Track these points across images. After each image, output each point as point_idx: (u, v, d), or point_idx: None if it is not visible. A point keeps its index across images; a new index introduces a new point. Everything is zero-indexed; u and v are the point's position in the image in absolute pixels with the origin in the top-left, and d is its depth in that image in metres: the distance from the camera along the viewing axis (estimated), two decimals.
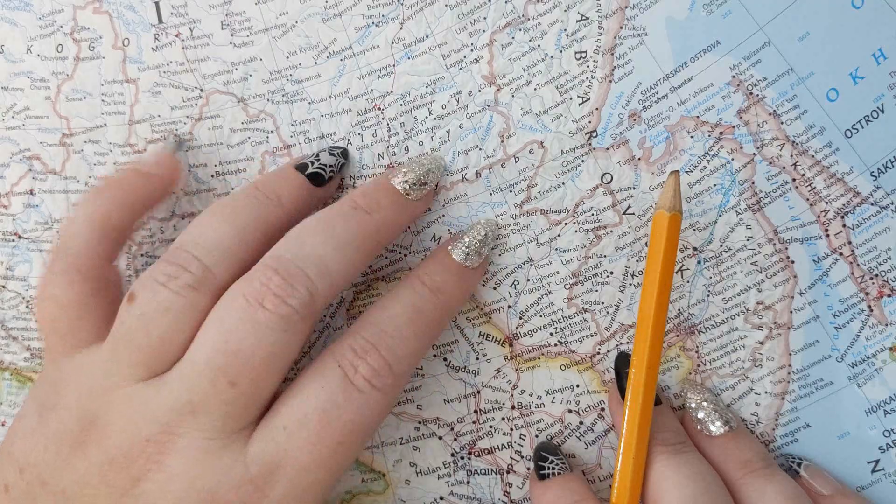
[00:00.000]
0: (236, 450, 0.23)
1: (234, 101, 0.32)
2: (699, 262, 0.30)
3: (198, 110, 0.32)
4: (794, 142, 0.29)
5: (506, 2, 0.30)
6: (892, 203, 0.29)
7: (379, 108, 0.31)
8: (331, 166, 0.29)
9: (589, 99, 0.30)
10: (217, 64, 0.32)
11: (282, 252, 0.25)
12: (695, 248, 0.30)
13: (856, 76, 0.28)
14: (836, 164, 0.29)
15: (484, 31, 0.30)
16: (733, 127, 0.29)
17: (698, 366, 0.30)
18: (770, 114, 0.29)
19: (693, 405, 0.29)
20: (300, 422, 0.23)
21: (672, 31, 0.29)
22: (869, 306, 0.29)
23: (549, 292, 0.30)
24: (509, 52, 0.30)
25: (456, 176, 0.30)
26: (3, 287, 0.33)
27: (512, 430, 0.30)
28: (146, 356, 0.24)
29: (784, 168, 0.29)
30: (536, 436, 0.30)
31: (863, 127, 0.29)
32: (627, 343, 0.30)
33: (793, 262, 0.29)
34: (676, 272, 0.29)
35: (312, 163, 0.29)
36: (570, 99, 0.30)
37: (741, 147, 0.29)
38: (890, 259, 0.29)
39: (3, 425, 0.33)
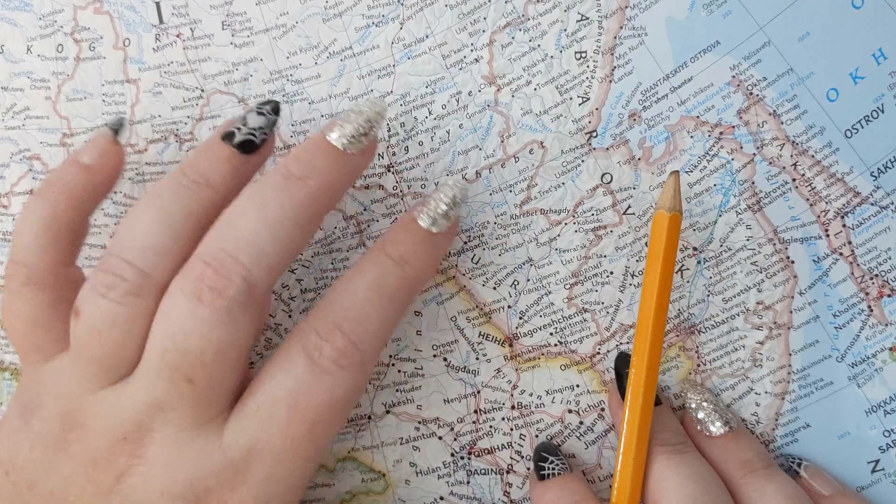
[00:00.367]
0: (213, 437, 0.23)
1: (235, 101, 0.32)
2: (699, 262, 0.30)
3: (199, 110, 0.32)
4: (794, 142, 0.29)
5: (506, 2, 0.30)
6: (892, 203, 0.29)
7: None
8: (261, 128, 0.26)
9: (589, 99, 0.30)
10: (218, 64, 0.32)
11: (213, 241, 0.24)
12: (695, 248, 0.30)
13: (856, 76, 0.28)
14: (836, 164, 0.29)
15: (484, 31, 0.30)
16: (733, 127, 0.29)
17: (698, 366, 0.30)
18: (770, 114, 0.29)
19: (693, 405, 0.29)
20: (271, 407, 0.23)
21: (672, 31, 0.29)
22: (869, 306, 0.29)
23: (549, 292, 0.30)
24: (509, 52, 0.30)
25: (456, 175, 0.30)
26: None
27: (512, 430, 0.30)
28: (105, 365, 0.24)
29: (784, 168, 0.29)
30: (536, 436, 0.30)
31: (863, 127, 0.29)
32: (627, 343, 0.30)
33: (793, 262, 0.29)
34: (676, 272, 0.29)
35: (240, 129, 0.26)
36: (570, 99, 0.30)
37: (741, 147, 0.29)
38: (890, 259, 0.29)
39: None
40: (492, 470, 0.30)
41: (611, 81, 0.30)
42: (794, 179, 0.29)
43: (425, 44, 0.30)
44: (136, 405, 0.23)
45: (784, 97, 0.29)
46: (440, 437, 0.30)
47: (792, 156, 0.29)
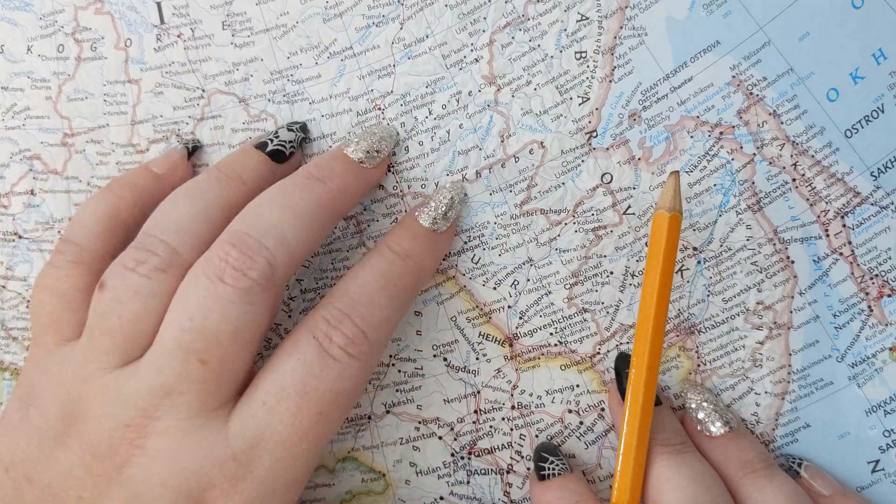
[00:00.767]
0: (217, 428, 0.23)
1: (236, 101, 0.32)
2: (699, 262, 0.30)
3: (199, 110, 0.32)
4: (794, 142, 0.29)
5: (506, 2, 0.30)
6: (892, 203, 0.29)
7: (379, 108, 0.31)
8: (291, 142, 0.30)
9: (589, 99, 0.30)
10: (218, 64, 0.32)
11: (239, 226, 0.25)
12: (695, 248, 0.30)
13: (856, 76, 0.28)
14: (836, 164, 0.29)
15: (484, 31, 0.30)
16: (733, 127, 0.29)
17: (698, 366, 0.30)
18: (770, 114, 0.29)
19: (693, 405, 0.29)
20: (279, 395, 0.24)
21: (672, 31, 0.29)
22: (869, 306, 0.29)
23: (549, 292, 0.30)
24: (509, 52, 0.30)
25: (456, 176, 0.30)
26: (3, 287, 0.33)
27: (512, 430, 0.30)
28: (119, 341, 0.24)
29: (784, 168, 0.29)
30: (536, 436, 0.30)
31: (863, 127, 0.29)
32: (627, 343, 0.30)
33: (793, 262, 0.29)
34: (676, 272, 0.29)
35: (272, 140, 0.29)
36: (570, 99, 0.30)
37: (741, 147, 0.29)
38: (890, 259, 0.29)
39: None
40: (492, 470, 0.30)
41: (611, 81, 0.30)
42: (794, 179, 0.29)
43: (425, 44, 0.30)
44: (145, 388, 0.23)
45: (784, 97, 0.29)
46: (440, 437, 0.30)
47: (792, 156, 0.29)
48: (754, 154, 0.29)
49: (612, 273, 0.30)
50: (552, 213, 0.30)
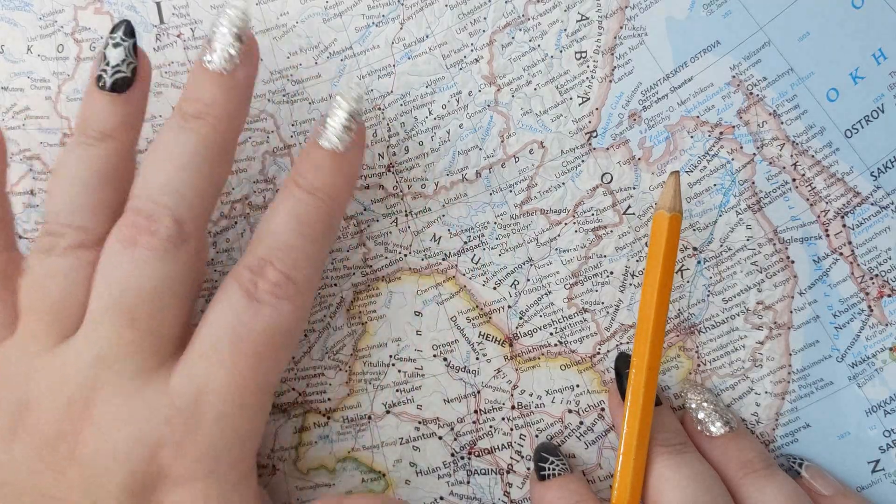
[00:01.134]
0: (159, 387, 0.24)
1: None
2: (699, 262, 0.30)
3: None
4: (794, 142, 0.29)
5: (506, 2, 0.30)
6: (892, 203, 0.29)
7: (379, 108, 0.31)
8: (124, 60, 0.26)
9: (589, 99, 0.30)
10: None
11: (136, 193, 0.25)
12: (695, 248, 0.30)
13: (856, 76, 0.29)
14: (836, 164, 0.29)
15: (484, 31, 0.30)
16: (733, 127, 0.29)
17: (698, 366, 0.30)
18: (770, 114, 0.29)
19: (693, 405, 0.29)
20: (214, 345, 0.24)
21: (672, 31, 0.29)
22: (869, 306, 0.29)
23: (549, 292, 0.30)
24: (509, 52, 0.30)
25: (456, 176, 0.30)
26: None
27: (512, 430, 0.30)
28: (51, 320, 0.24)
29: (784, 168, 0.29)
30: (536, 436, 0.30)
31: (863, 127, 0.29)
32: (627, 343, 0.30)
33: (793, 262, 0.29)
34: (676, 272, 0.29)
35: (105, 70, 0.26)
36: (570, 99, 0.30)
37: (741, 147, 0.29)
38: (890, 259, 0.29)
39: None
40: (492, 470, 0.30)
41: (611, 81, 0.30)
42: (794, 179, 0.29)
43: (425, 44, 0.30)
44: (80, 362, 0.23)
45: (784, 97, 0.29)
46: (440, 437, 0.30)
47: (792, 156, 0.29)
48: (754, 154, 0.29)
49: (612, 273, 0.30)
50: (552, 213, 0.30)
